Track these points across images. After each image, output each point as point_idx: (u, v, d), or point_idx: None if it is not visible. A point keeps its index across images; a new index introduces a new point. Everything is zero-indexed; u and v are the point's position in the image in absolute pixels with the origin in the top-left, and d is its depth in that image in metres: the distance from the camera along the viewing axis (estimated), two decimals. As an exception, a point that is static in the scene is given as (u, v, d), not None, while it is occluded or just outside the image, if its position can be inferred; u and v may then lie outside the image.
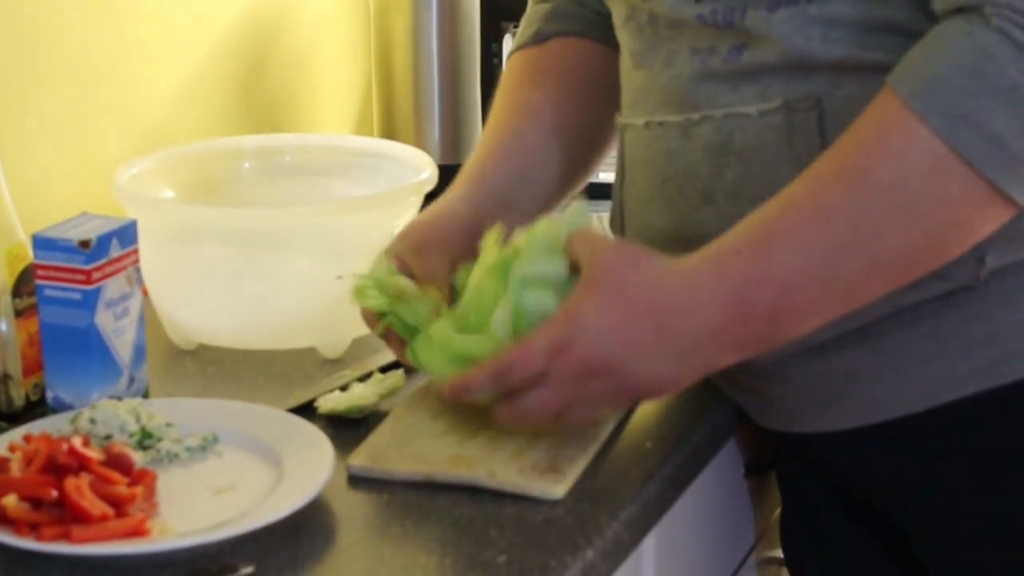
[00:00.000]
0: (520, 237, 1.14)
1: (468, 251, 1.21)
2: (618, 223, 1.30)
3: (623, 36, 1.24)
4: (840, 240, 1.02)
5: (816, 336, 1.12)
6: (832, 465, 1.26)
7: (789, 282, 1.03)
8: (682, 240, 1.15)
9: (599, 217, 1.86)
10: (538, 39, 1.36)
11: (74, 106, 1.62)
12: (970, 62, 0.98)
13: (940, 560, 1.20)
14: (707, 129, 1.14)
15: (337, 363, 1.40)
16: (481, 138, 1.36)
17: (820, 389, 1.17)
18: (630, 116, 1.24)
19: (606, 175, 1.92)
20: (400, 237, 1.26)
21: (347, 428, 1.25)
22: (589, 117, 1.34)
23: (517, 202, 1.30)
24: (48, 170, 1.58)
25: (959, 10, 1.00)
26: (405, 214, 1.46)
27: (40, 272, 1.24)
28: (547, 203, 1.34)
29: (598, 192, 1.92)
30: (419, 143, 1.91)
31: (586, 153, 1.37)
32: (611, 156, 1.38)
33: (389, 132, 1.97)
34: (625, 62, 1.24)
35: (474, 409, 1.16)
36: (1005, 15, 0.97)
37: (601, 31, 1.32)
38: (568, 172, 1.35)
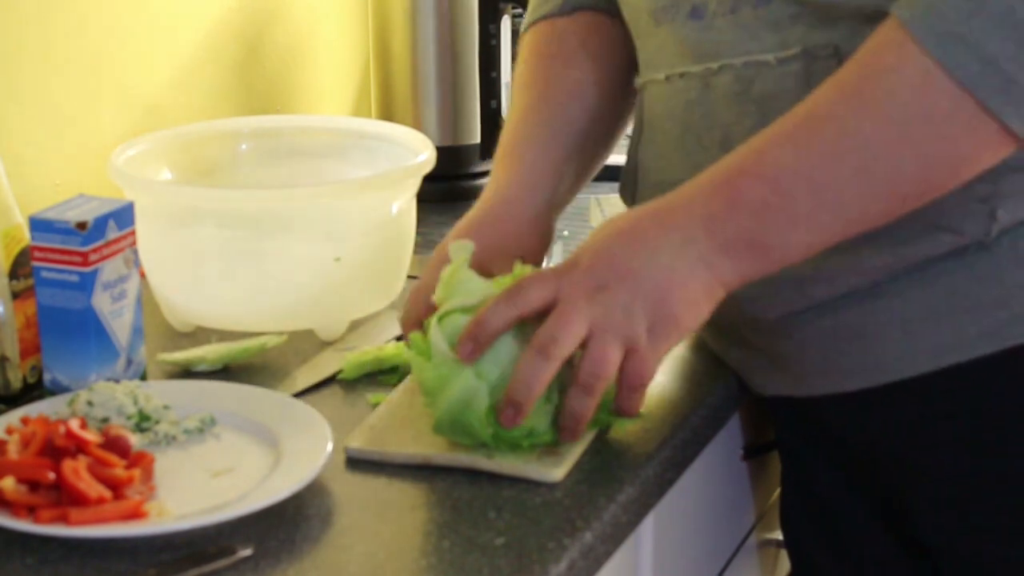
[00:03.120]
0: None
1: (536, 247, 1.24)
2: (631, 185, 1.30)
3: None
4: (829, 146, 1.03)
5: (825, 292, 1.12)
6: (835, 434, 1.25)
7: (778, 178, 1.04)
8: None
9: (596, 199, 1.86)
10: (564, 10, 1.36)
11: (71, 88, 1.62)
12: None
13: (942, 527, 1.19)
14: (727, 78, 1.16)
15: (335, 345, 1.40)
16: (523, 108, 1.34)
17: (828, 348, 1.18)
18: (649, 73, 1.25)
19: (615, 159, 1.93)
20: (472, 234, 1.23)
21: (344, 409, 1.25)
22: (619, 98, 1.34)
23: (566, 187, 1.32)
24: (45, 151, 1.58)
25: None
26: (403, 196, 1.46)
27: (37, 254, 1.23)
28: (575, 189, 1.35)
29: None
30: (417, 125, 1.91)
31: (615, 135, 1.37)
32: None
33: (387, 114, 1.97)
34: (645, 23, 1.24)
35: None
36: None
37: (615, 5, 1.32)
38: (598, 158, 1.35)
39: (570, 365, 1.11)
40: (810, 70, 1.11)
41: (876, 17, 1.06)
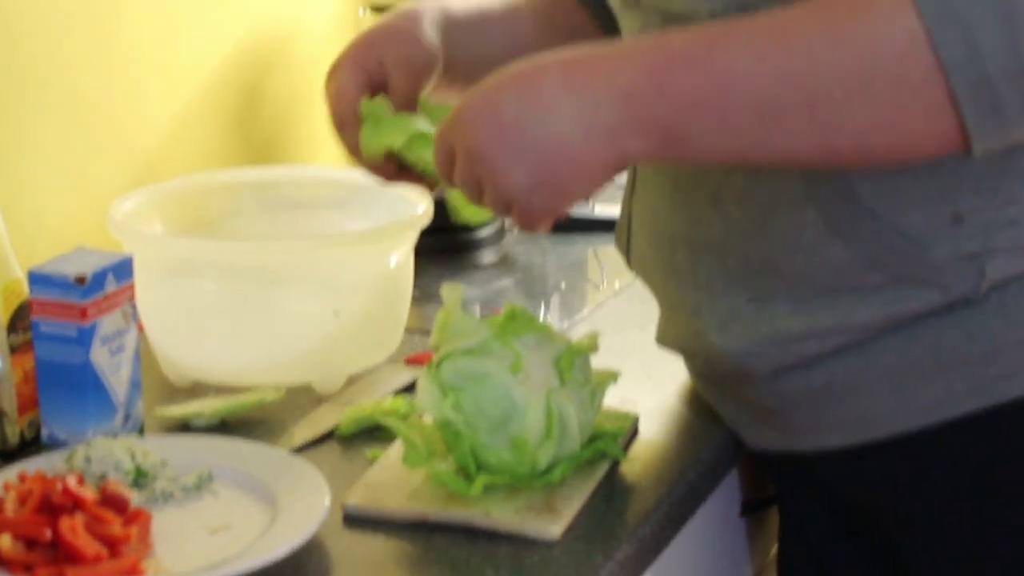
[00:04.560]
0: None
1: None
2: (625, 236, 1.30)
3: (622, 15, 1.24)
4: (789, 67, 0.97)
5: (814, 348, 1.12)
6: (831, 489, 1.25)
7: (724, 79, 0.98)
8: (692, 244, 1.16)
9: (593, 250, 1.87)
10: None
11: (69, 140, 1.62)
12: None
13: None
14: None
15: (333, 399, 1.40)
16: None
17: (818, 403, 1.18)
18: None
19: (601, 209, 1.94)
20: (375, 45, 1.23)
21: (342, 465, 1.25)
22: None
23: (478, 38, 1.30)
24: (44, 204, 1.58)
25: None
26: (401, 248, 1.46)
27: (36, 308, 1.24)
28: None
29: (590, 226, 1.93)
30: (415, 176, 1.92)
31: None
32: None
33: (385, 164, 1.97)
34: None
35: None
36: None
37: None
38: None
39: (567, 393, 1.15)
40: None
41: None
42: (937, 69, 0.94)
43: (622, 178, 1.36)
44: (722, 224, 1.15)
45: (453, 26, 1.27)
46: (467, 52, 1.27)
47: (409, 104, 1.21)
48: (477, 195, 1.08)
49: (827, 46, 0.96)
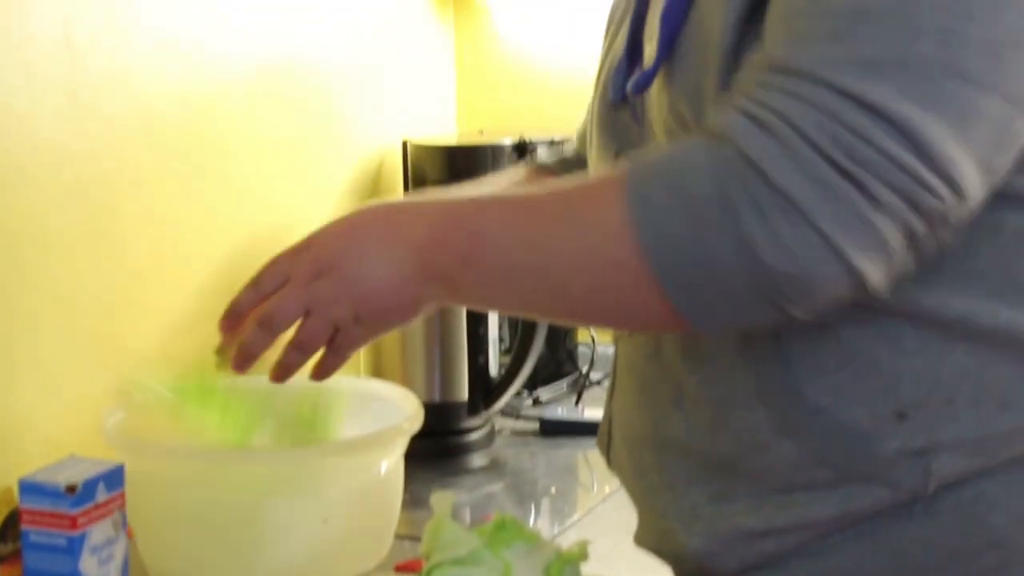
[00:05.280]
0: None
1: None
2: (605, 439, 1.31)
3: None
4: (528, 238, 1.09)
5: (774, 547, 1.12)
6: None
7: (481, 241, 1.10)
8: (658, 444, 1.17)
9: (584, 454, 1.87)
10: (552, 168, 1.47)
11: (62, 347, 1.64)
12: (678, 161, 1.03)
13: None
14: (678, 334, 1.17)
15: (322, 607, 1.39)
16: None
17: None
18: None
19: (590, 413, 1.95)
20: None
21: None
22: None
23: None
24: (36, 410, 1.59)
25: (707, 134, 1.04)
26: (391, 456, 1.47)
27: (26, 517, 1.24)
28: None
29: (579, 429, 1.94)
30: (405, 380, 1.92)
31: None
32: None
33: (376, 369, 1.99)
34: None
35: None
36: (733, 140, 1.00)
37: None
38: None
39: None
40: (746, 332, 1.13)
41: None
42: (639, 253, 1.02)
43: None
44: (683, 424, 1.17)
45: None
46: None
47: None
48: (287, 321, 1.16)
49: (558, 222, 1.08)
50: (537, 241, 1.09)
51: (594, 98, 1.31)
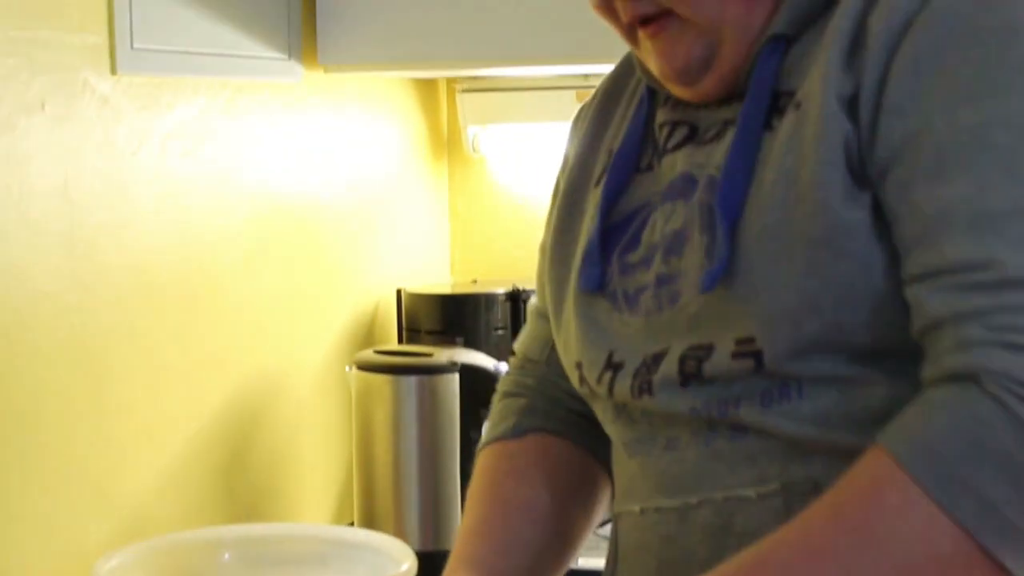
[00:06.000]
0: None
1: None
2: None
3: (614, 429, 1.25)
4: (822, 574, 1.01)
5: None
6: None
7: None
8: None
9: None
10: (516, 433, 1.37)
11: (55, 496, 1.63)
12: (967, 429, 1.00)
13: None
14: (706, 512, 1.15)
15: None
16: (472, 527, 1.33)
17: None
18: (625, 504, 1.24)
19: (584, 561, 1.93)
20: None
21: None
22: (573, 518, 1.34)
23: None
24: (28, 559, 1.58)
25: (954, 377, 1.03)
26: (384, 608, 1.46)
27: (16, 671, 1.23)
28: None
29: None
30: (398, 529, 1.92)
31: (568, 553, 1.36)
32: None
33: (368, 518, 1.98)
34: (618, 453, 1.25)
35: None
36: (1003, 384, 1.00)
37: (578, 430, 1.33)
38: (553, 572, 1.34)
39: None
40: (790, 505, 1.10)
41: (853, 452, 1.07)
42: (964, 534, 0.99)
43: (604, 529, 1.37)
44: None
45: None
46: None
47: None
48: None
49: (854, 552, 1.01)
50: None
51: (554, 280, 1.26)
